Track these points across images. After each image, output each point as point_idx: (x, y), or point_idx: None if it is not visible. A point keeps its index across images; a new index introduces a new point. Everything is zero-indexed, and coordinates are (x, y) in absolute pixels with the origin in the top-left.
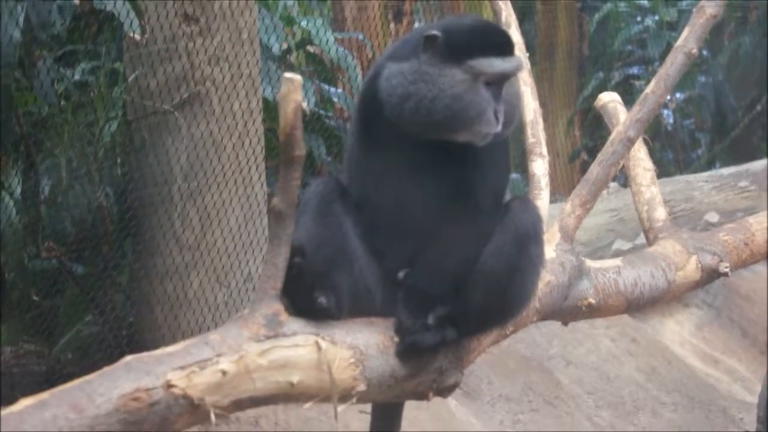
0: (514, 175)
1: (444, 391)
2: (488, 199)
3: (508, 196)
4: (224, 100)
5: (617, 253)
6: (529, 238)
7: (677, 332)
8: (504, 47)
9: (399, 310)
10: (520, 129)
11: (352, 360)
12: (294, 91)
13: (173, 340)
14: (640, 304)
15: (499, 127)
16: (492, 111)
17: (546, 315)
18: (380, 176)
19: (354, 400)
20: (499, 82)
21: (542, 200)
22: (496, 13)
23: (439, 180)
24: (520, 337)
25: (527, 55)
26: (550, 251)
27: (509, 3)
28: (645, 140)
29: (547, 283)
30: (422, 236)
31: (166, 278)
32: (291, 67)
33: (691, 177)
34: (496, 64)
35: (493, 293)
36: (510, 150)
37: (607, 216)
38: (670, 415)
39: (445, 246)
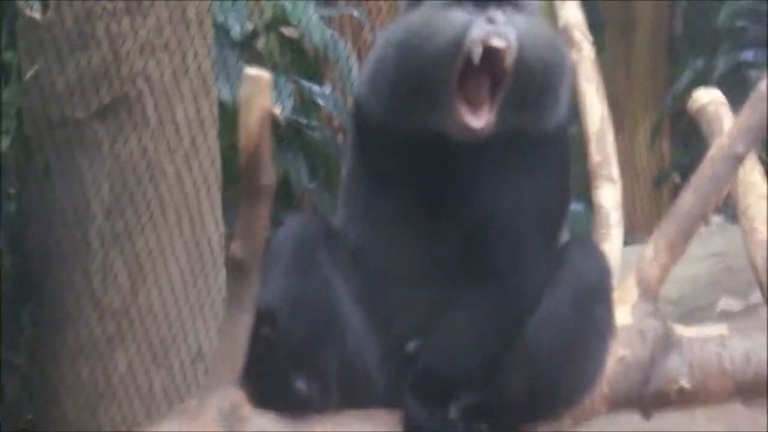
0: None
1: None
2: (533, 240)
3: (565, 237)
4: (163, 106)
5: (723, 316)
6: (593, 297)
7: None
8: None
9: (408, 398)
10: (580, 143)
11: None
12: (260, 93)
13: None
14: (756, 389)
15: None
16: (480, 29)
17: (619, 404)
18: (384, 212)
19: None
20: None
21: (612, 243)
22: None
23: (462, 213)
24: None
25: (590, 38)
26: (624, 314)
27: None
28: (760, 158)
29: (620, 359)
30: (442, 296)
31: (80, 357)
32: (258, 58)
33: None
34: None
35: (541, 375)
36: (568, 163)
37: (707, 263)
38: None
39: (474, 309)
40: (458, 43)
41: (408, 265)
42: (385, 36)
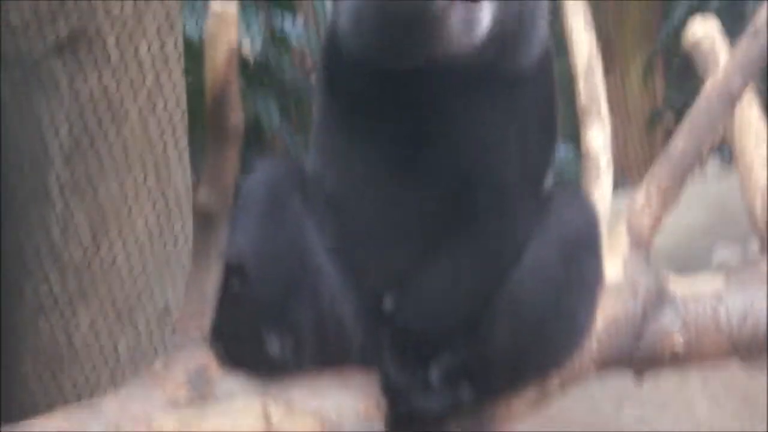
0: (563, 149)
1: None
2: (517, 186)
3: (550, 182)
4: (125, 41)
5: (719, 268)
6: (580, 248)
7: None
8: None
9: (385, 360)
10: (567, 81)
11: None
12: (227, 28)
13: (50, 407)
14: (754, 347)
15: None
16: None
17: (610, 363)
18: (360, 157)
19: None
20: None
21: (602, 188)
22: None
23: (442, 158)
24: (574, 400)
25: None
26: (614, 267)
27: None
28: (759, 93)
29: (611, 316)
30: (421, 247)
31: (39, 316)
32: None
33: None
34: None
35: (525, 330)
36: (553, 102)
37: (702, 211)
38: None
39: (454, 262)
40: None
41: (386, 215)
42: None
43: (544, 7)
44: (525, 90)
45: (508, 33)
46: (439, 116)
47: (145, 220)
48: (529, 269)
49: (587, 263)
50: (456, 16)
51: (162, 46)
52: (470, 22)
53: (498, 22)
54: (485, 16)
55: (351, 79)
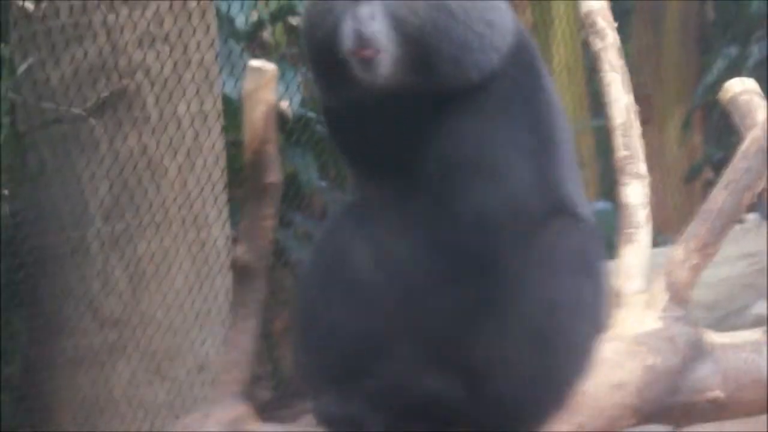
0: (602, 205)
1: None
2: (501, 209)
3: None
4: (164, 101)
5: (758, 321)
6: (570, 269)
7: None
8: None
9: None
10: (606, 135)
11: None
12: (265, 86)
13: None
14: None
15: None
16: (351, 22)
17: (649, 415)
18: (359, 183)
19: None
20: None
21: (640, 243)
22: None
23: (414, 173)
24: None
25: (615, 25)
26: (653, 319)
27: None
28: None
29: (650, 367)
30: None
31: (78, 368)
32: (264, 50)
33: None
34: None
35: (526, 362)
36: (540, 98)
37: (742, 265)
38: None
39: (435, 288)
40: (335, 32)
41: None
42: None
43: (489, 9)
44: (491, 96)
45: (435, 63)
46: (402, 132)
47: (184, 274)
48: (511, 297)
49: (578, 281)
50: (355, 62)
51: (201, 105)
52: (368, 65)
53: (410, 52)
54: (383, 60)
55: (329, 118)
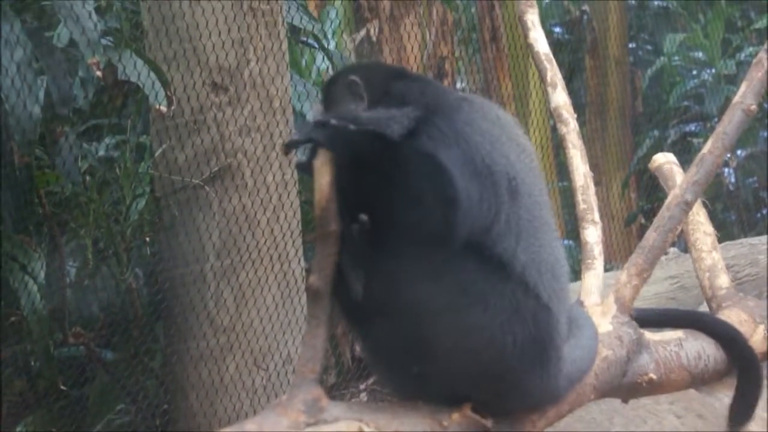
0: (567, 242)
1: None
2: (411, 248)
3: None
4: (257, 173)
5: None
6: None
7: None
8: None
9: None
10: (569, 193)
11: None
12: (328, 162)
13: (209, 427)
14: (705, 378)
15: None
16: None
17: (604, 392)
18: None
19: None
20: None
21: (596, 270)
22: (541, 73)
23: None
24: (579, 416)
25: (575, 116)
26: (605, 324)
27: (554, 63)
28: (704, 203)
29: (605, 358)
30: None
31: (200, 362)
32: None
33: (755, 240)
34: None
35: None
36: (439, 160)
37: (666, 284)
38: None
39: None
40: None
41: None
42: None
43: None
44: (389, 164)
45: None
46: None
47: (272, 296)
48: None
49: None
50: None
51: (282, 176)
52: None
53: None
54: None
55: None
